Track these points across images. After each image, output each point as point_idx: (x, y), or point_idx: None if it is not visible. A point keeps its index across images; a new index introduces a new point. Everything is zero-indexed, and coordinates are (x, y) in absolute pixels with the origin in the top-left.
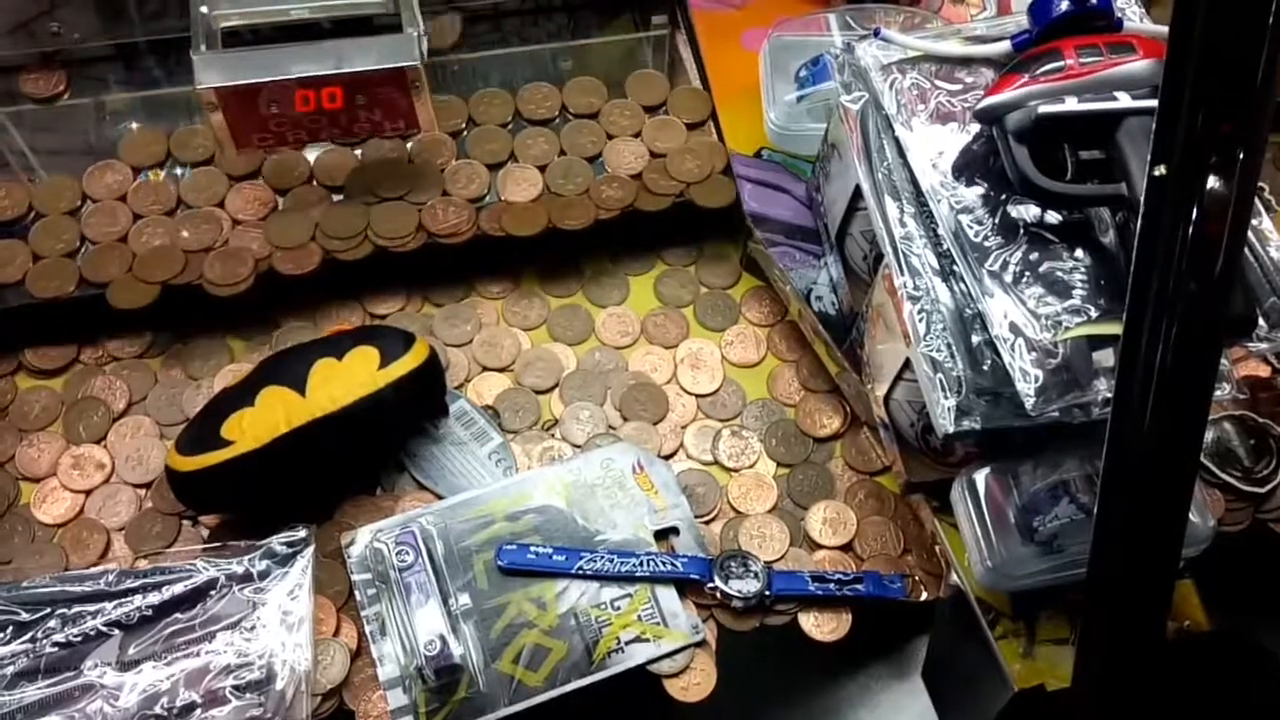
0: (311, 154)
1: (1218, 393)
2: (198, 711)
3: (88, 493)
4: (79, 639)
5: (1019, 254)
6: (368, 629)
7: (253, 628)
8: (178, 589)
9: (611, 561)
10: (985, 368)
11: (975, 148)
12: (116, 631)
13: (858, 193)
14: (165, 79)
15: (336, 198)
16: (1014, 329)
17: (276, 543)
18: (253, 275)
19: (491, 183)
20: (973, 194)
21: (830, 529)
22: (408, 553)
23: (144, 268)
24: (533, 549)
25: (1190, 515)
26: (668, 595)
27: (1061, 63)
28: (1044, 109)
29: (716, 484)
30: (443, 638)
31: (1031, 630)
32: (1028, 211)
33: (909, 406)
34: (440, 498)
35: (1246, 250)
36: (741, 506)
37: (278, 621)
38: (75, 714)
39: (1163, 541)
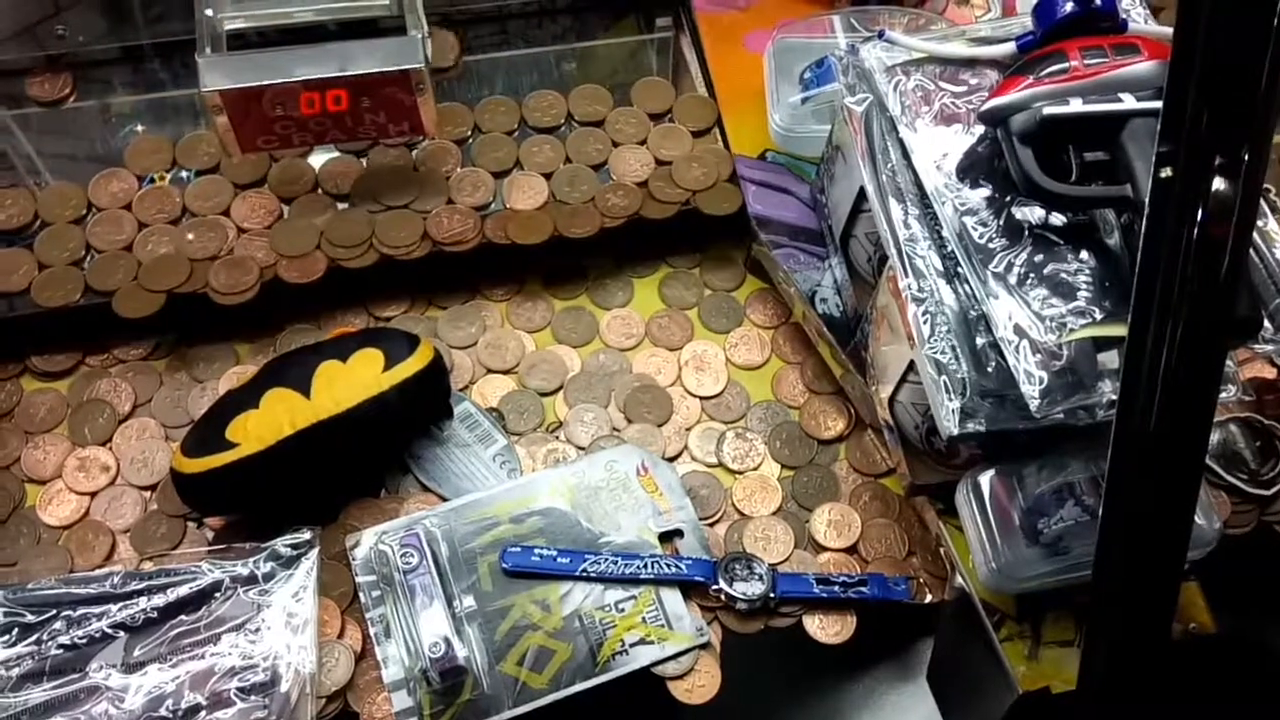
0: (316, 162)
1: (1223, 394)
2: (202, 713)
3: (93, 495)
4: (84, 641)
5: (1024, 256)
6: (372, 631)
7: (257, 630)
8: (183, 591)
9: (616, 564)
10: (990, 370)
11: (980, 149)
12: (121, 633)
13: (862, 195)
14: (171, 82)
15: (342, 206)
16: (1019, 331)
17: (281, 545)
18: (258, 284)
19: (497, 190)
20: (977, 196)
21: (835, 531)
22: (412, 555)
23: (149, 276)
24: (537, 551)
25: (1196, 517)
26: (672, 597)
27: (1066, 64)
28: (1048, 110)
29: (721, 486)
30: (447, 640)
31: (1036, 632)
32: (1032, 213)
33: (913, 409)
34: (444, 500)
35: (1252, 252)
36: (746, 509)
37: (282, 624)
38: (80, 716)
39: (1168, 544)
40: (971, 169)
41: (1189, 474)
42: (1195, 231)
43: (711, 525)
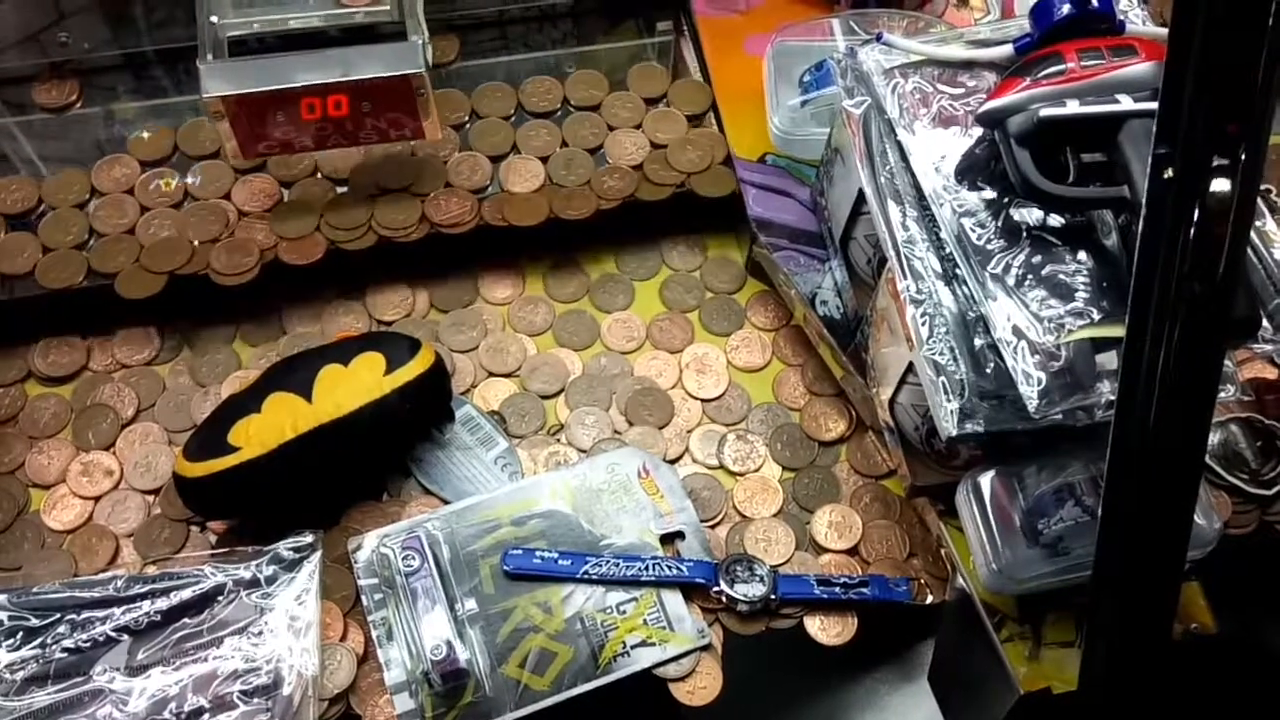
0: None
1: (1222, 394)
2: (205, 716)
3: (97, 499)
4: (88, 644)
5: (1022, 257)
6: (374, 634)
7: (260, 633)
8: (186, 594)
9: (617, 566)
10: (988, 371)
11: (978, 151)
12: (125, 637)
13: (861, 197)
14: (174, 88)
15: (341, 190)
16: (1017, 332)
17: (284, 548)
18: (258, 265)
19: (494, 174)
20: (975, 197)
21: (836, 533)
22: (414, 558)
23: (151, 258)
24: (538, 553)
25: (1196, 517)
26: (673, 599)
27: (1063, 66)
28: (1045, 112)
29: (722, 488)
30: (449, 642)
31: (1037, 633)
32: (1030, 215)
33: (913, 410)
34: (446, 503)
35: (1251, 252)
36: (747, 510)
37: (285, 627)
38: (84, 719)
39: (1168, 543)
40: (970, 171)
41: (1188, 474)
42: (1192, 232)
43: (713, 527)
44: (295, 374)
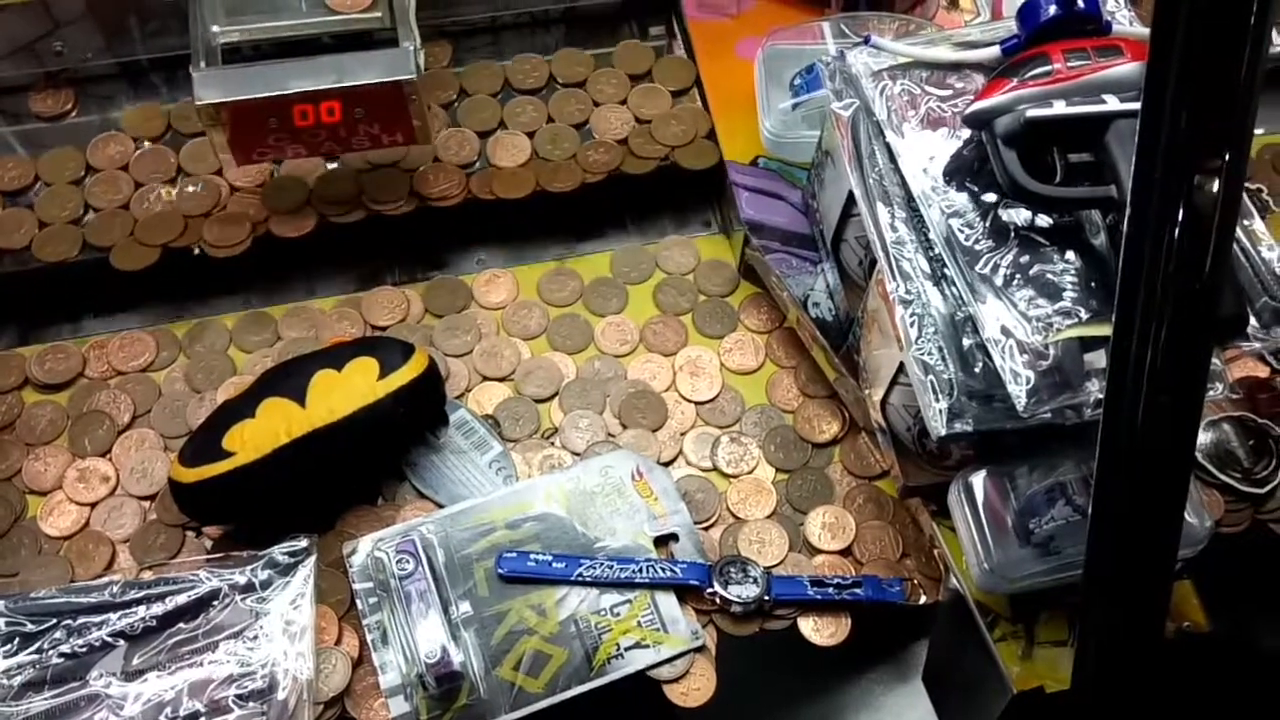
0: None
1: (1211, 393)
2: None
3: (93, 505)
4: (84, 650)
5: (1010, 257)
6: (369, 637)
7: (255, 637)
8: (181, 599)
9: (611, 568)
10: (977, 370)
11: (966, 152)
12: (121, 642)
13: (851, 199)
14: (168, 96)
15: (331, 165)
16: (1005, 331)
17: (278, 553)
18: (250, 238)
19: (482, 150)
20: (963, 198)
21: (829, 534)
22: (408, 561)
23: (145, 231)
24: (533, 556)
25: (1187, 516)
26: (667, 601)
27: (1049, 67)
28: (1032, 113)
29: (715, 490)
30: (443, 645)
31: (1030, 632)
32: (1018, 215)
33: (905, 411)
34: (441, 506)
35: (1239, 251)
36: (740, 512)
37: (280, 631)
38: None
39: (1158, 542)
40: (958, 172)
41: (1177, 472)
42: (1178, 231)
43: (706, 529)
44: (289, 379)
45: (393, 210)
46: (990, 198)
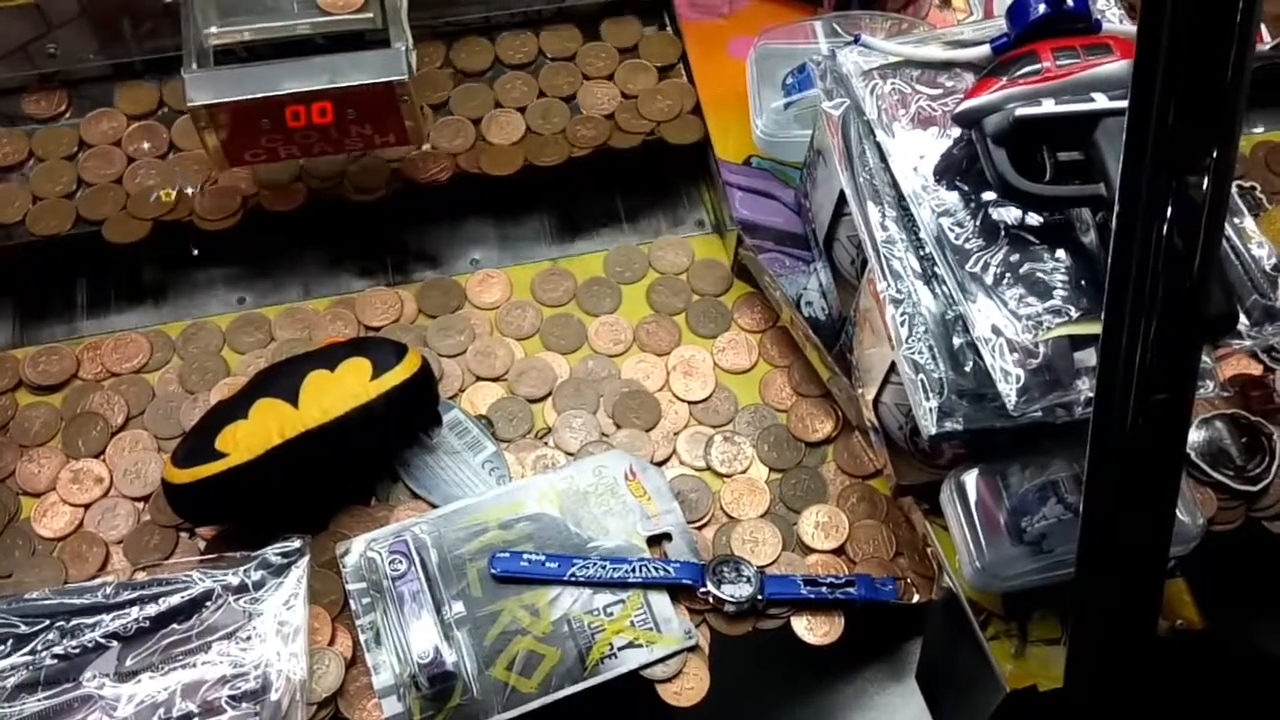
0: None
1: (1202, 390)
2: None
3: (87, 506)
4: (77, 651)
5: (1000, 256)
6: (362, 638)
7: (248, 638)
8: (174, 600)
9: (604, 568)
10: (968, 369)
11: (956, 151)
12: (114, 643)
13: (843, 198)
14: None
15: None
16: (995, 330)
17: (272, 553)
18: (241, 211)
19: (478, 136)
20: (954, 197)
21: (822, 533)
22: (401, 562)
23: (137, 205)
24: (526, 556)
25: (1179, 514)
26: (660, 601)
27: (1039, 65)
28: (1021, 111)
29: (709, 489)
30: (436, 646)
31: (1023, 631)
32: (1008, 214)
33: (897, 410)
34: (434, 507)
35: (1229, 248)
36: (734, 511)
37: (273, 631)
38: None
39: (1150, 540)
40: (948, 171)
41: (1167, 470)
42: (1165, 229)
43: (700, 528)
44: (282, 380)
45: (377, 197)
46: (981, 196)
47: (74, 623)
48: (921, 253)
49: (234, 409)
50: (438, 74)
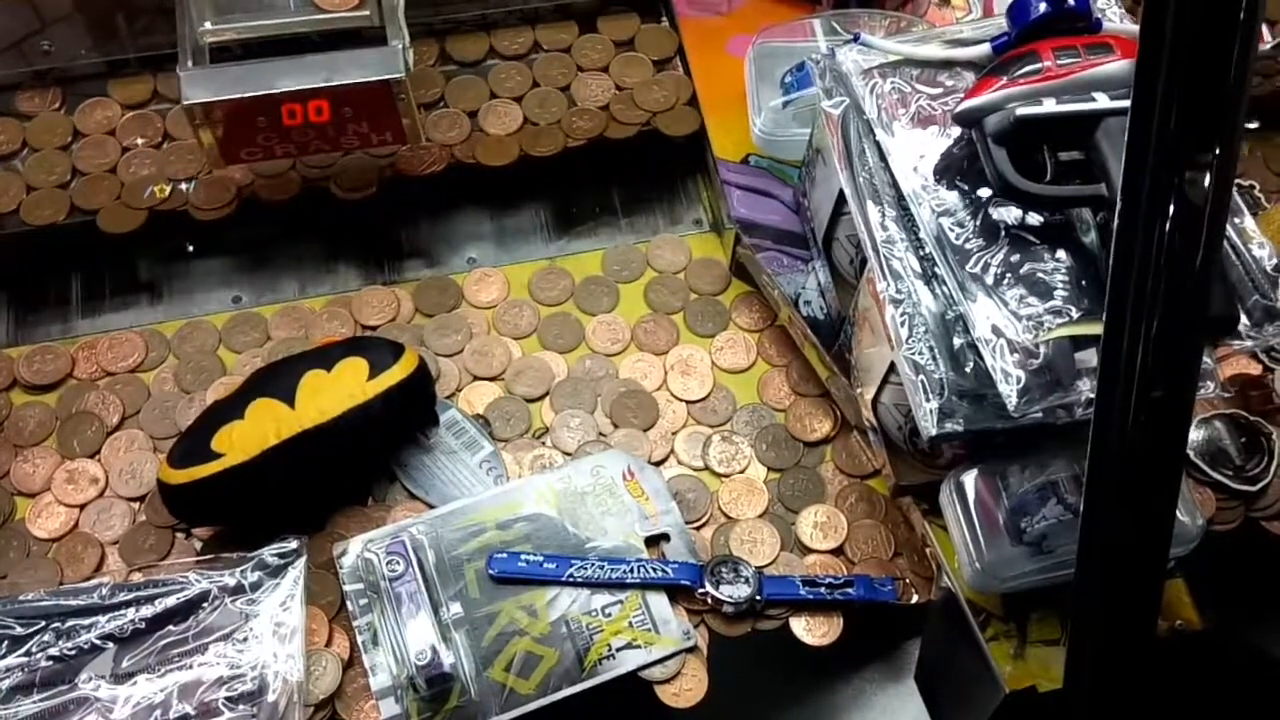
0: None
1: (1203, 391)
2: None
3: (82, 507)
4: (73, 652)
5: (1000, 256)
6: (360, 639)
7: (245, 639)
8: (170, 601)
9: (602, 568)
10: (968, 370)
11: (956, 151)
12: (110, 644)
13: (842, 198)
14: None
15: None
16: (996, 331)
17: (268, 554)
18: (236, 200)
19: (473, 128)
20: (954, 197)
21: (821, 533)
22: (398, 562)
23: (132, 195)
24: (523, 557)
25: (1179, 514)
26: (659, 601)
27: (1039, 65)
28: (1022, 111)
29: (707, 489)
30: (434, 647)
31: (1022, 631)
32: (1009, 213)
33: (896, 410)
34: (431, 507)
35: (1229, 249)
36: (732, 512)
37: (270, 633)
38: None
39: (1150, 541)
40: (948, 170)
41: (1168, 472)
42: (1167, 228)
43: (698, 529)
44: (279, 380)
45: (368, 194)
46: (981, 196)
47: (69, 624)
48: (921, 253)
49: (230, 409)
50: (430, 71)
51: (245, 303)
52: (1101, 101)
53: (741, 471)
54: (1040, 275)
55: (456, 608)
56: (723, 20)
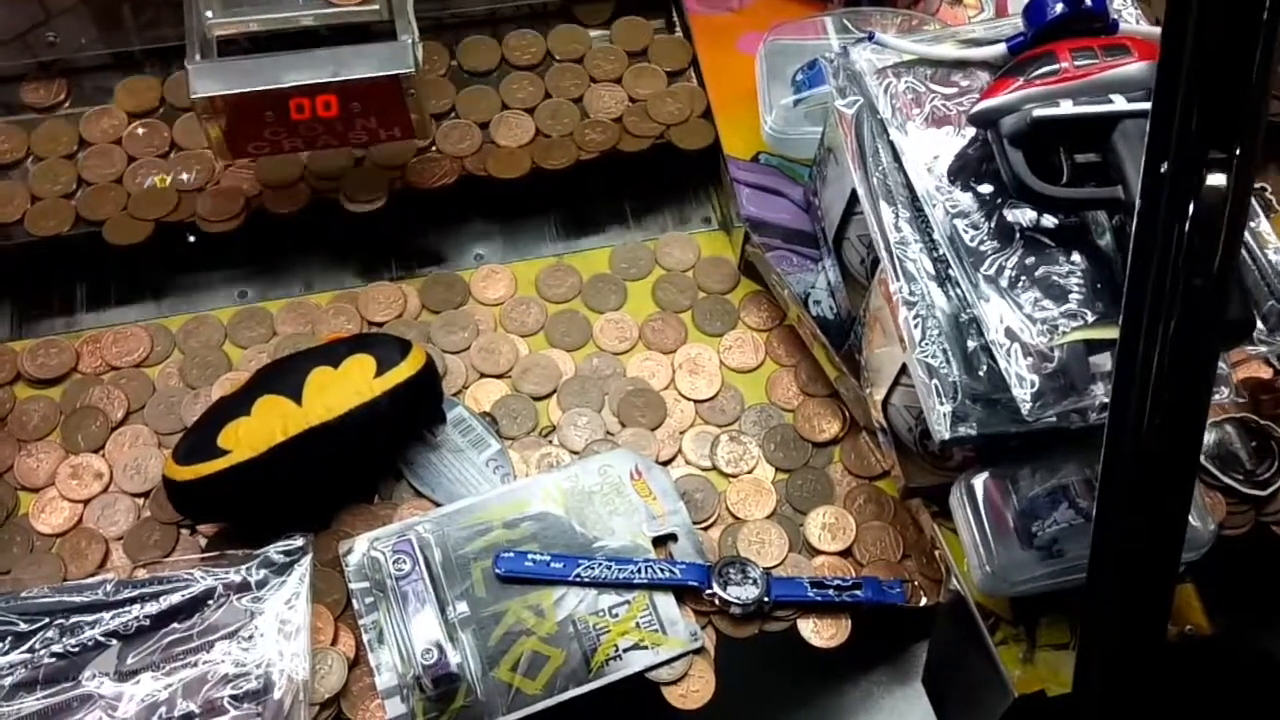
0: None
1: (1217, 396)
2: None
3: (86, 502)
4: (77, 649)
5: (1015, 258)
6: (365, 638)
7: (250, 637)
8: (175, 599)
9: (609, 568)
10: (981, 373)
11: (971, 151)
12: (115, 642)
13: (854, 197)
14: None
15: None
16: (1010, 334)
17: (274, 551)
18: (244, 212)
19: (484, 139)
20: (968, 198)
21: (829, 534)
22: (405, 561)
23: (138, 206)
24: (530, 556)
25: (1191, 519)
26: (666, 602)
27: (1056, 65)
28: (1039, 112)
29: (715, 490)
30: (440, 646)
31: (1032, 635)
32: (1024, 215)
33: (907, 411)
34: (438, 505)
35: (1245, 253)
36: (740, 512)
37: (275, 630)
38: None
39: (1162, 546)
40: (962, 171)
41: (1182, 477)
42: (1186, 231)
43: (705, 529)
44: (285, 376)
45: (377, 206)
46: (995, 197)
47: (73, 620)
48: (935, 254)
49: (236, 405)
50: (441, 81)
51: (251, 298)
52: (1119, 103)
53: (749, 472)
54: (1055, 278)
55: (463, 607)
56: (733, 17)
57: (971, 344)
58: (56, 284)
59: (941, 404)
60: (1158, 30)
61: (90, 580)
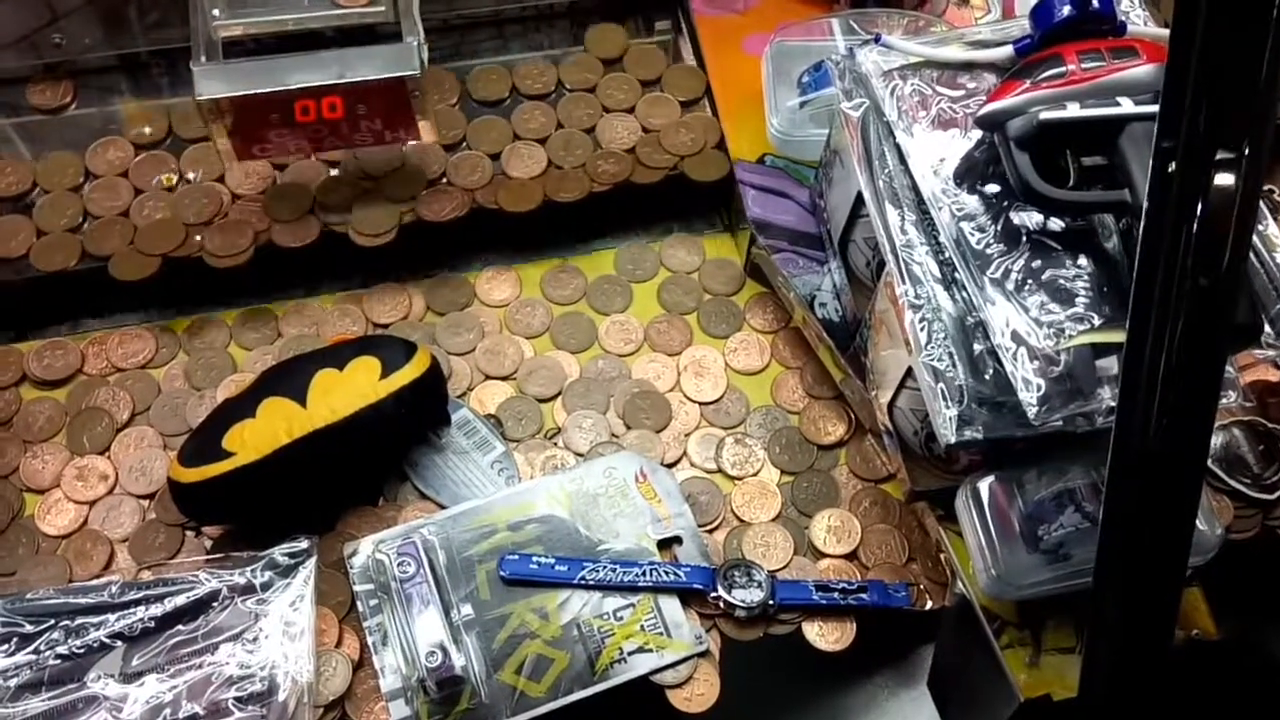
0: None
1: (1224, 399)
2: None
3: (91, 504)
4: (82, 651)
5: (1021, 261)
6: (370, 640)
7: (255, 639)
8: (180, 600)
9: (614, 571)
10: (987, 377)
11: (977, 154)
12: (119, 643)
13: (860, 199)
14: (169, 89)
15: (333, 171)
16: (1016, 337)
17: (279, 553)
18: (252, 247)
19: (495, 172)
20: (974, 201)
21: (835, 537)
22: (409, 563)
23: (145, 240)
24: (535, 559)
25: (1198, 523)
26: (671, 605)
27: (1063, 68)
28: (1045, 115)
29: (720, 492)
30: (444, 649)
31: (1038, 639)
32: (1030, 218)
33: (912, 414)
34: (443, 507)
35: (1253, 256)
36: (745, 515)
37: (280, 633)
38: None
39: (1169, 550)
40: (969, 174)
41: (1189, 481)
42: (1194, 234)
43: (710, 532)
44: (290, 378)
45: (387, 241)
46: (1002, 200)
47: (79, 622)
48: (941, 257)
49: (241, 407)
50: (452, 112)
51: (256, 300)
52: (1126, 106)
53: (754, 474)
54: (1062, 281)
55: (467, 609)
56: (739, 19)
57: (978, 347)
58: (62, 315)
59: (947, 407)
60: (1165, 32)
61: (95, 582)
